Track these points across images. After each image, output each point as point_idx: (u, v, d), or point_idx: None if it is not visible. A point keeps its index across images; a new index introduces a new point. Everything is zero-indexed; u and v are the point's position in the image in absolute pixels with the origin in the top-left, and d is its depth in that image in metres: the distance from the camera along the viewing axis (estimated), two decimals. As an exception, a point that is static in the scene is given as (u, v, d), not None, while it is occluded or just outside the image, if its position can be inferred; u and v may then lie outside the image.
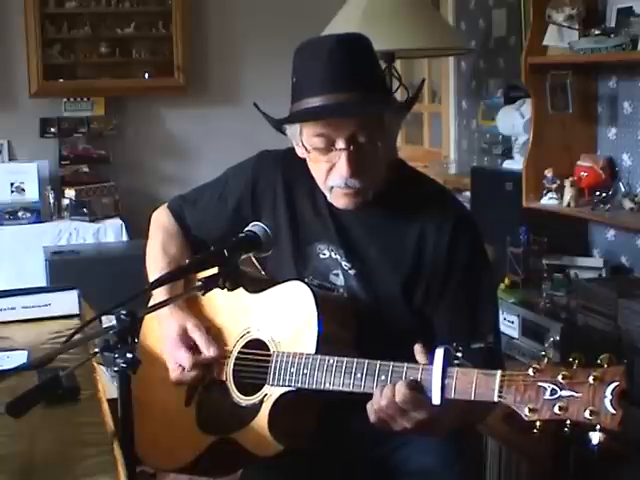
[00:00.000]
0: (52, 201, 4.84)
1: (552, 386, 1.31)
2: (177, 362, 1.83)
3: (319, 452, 1.79)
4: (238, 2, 5.29)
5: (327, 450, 1.82)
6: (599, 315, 2.64)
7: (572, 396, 1.29)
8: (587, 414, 1.26)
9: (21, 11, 4.92)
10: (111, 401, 1.67)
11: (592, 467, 2.49)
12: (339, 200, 1.76)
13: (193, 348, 1.83)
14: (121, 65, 5.18)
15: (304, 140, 1.74)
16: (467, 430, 1.89)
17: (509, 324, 2.95)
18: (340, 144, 1.68)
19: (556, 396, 1.30)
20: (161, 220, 2.04)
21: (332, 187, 1.74)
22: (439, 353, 1.43)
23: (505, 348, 2.91)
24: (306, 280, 1.79)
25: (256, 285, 1.82)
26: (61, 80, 5.08)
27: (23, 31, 4.94)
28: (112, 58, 5.14)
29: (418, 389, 1.46)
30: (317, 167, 1.76)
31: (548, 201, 3.12)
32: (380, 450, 1.82)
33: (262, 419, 1.68)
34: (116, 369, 1.44)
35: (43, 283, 4.18)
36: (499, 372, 1.37)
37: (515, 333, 2.93)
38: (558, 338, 2.70)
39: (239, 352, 1.81)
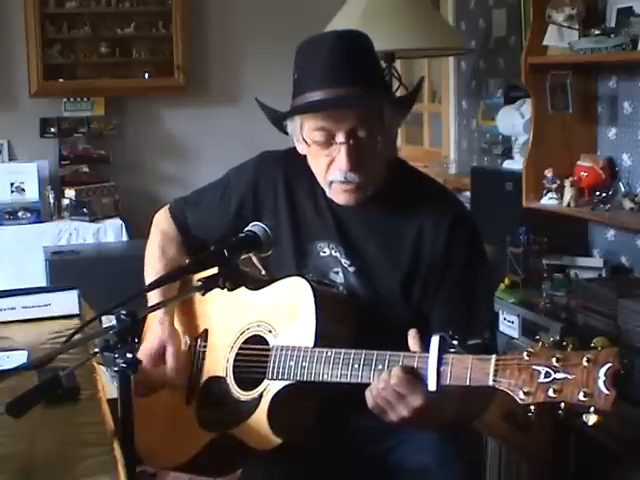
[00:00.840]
0: (52, 201, 4.84)
1: (546, 369, 1.32)
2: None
3: (318, 450, 1.79)
4: (238, 2, 5.29)
5: (326, 448, 1.82)
6: (599, 315, 2.64)
7: (566, 378, 1.30)
8: (581, 396, 1.27)
9: (21, 11, 4.92)
10: (111, 401, 1.67)
11: (592, 467, 2.49)
12: (339, 195, 1.77)
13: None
14: (121, 65, 5.18)
15: (305, 134, 1.75)
16: (466, 429, 1.90)
17: (509, 324, 2.95)
18: (340, 138, 1.69)
19: (550, 379, 1.31)
20: (161, 222, 2.05)
21: (332, 182, 1.75)
22: (435, 341, 1.45)
23: (505, 348, 2.90)
24: (306, 276, 1.79)
25: (257, 283, 1.83)
26: (61, 80, 5.08)
27: (23, 31, 4.94)
28: (112, 58, 5.14)
29: (414, 373, 1.47)
30: (317, 162, 1.77)
31: (548, 201, 3.12)
32: (378, 448, 1.83)
33: (261, 413, 1.68)
34: (116, 369, 1.44)
35: (43, 283, 4.18)
36: (494, 356, 1.39)
37: (515, 333, 2.93)
38: (558, 338, 2.69)
39: (239, 348, 1.81)
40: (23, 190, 4.83)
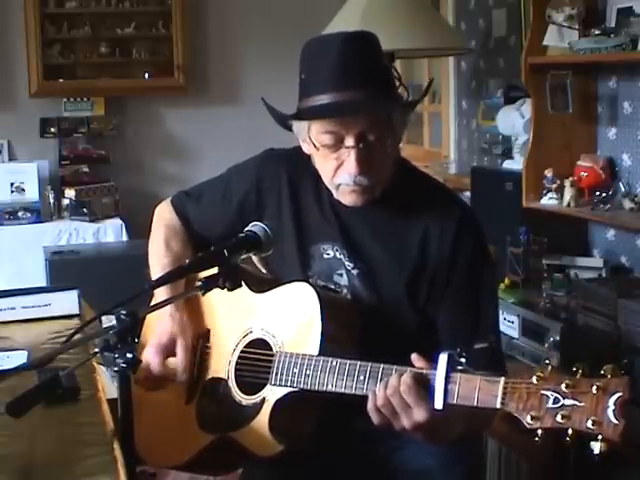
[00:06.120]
0: (52, 201, 4.85)
1: (555, 394, 1.31)
2: (147, 361, 1.82)
3: (319, 451, 1.78)
4: (238, 2, 5.29)
5: (327, 449, 1.81)
6: (599, 315, 2.64)
7: (575, 405, 1.29)
8: (589, 424, 1.26)
9: (21, 11, 4.92)
10: (111, 401, 1.67)
11: (593, 468, 2.49)
12: (346, 197, 1.76)
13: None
14: (121, 65, 5.19)
15: (312, 137, 1.73)
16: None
17: (509, 324, 2.95)
18: (349, 142, 1.68)
19: (559, 405, 1.30)
20: (164, 215, 2.03)
21: (339, 184, 1.74)
22: (443, 358, 1.43)
23: (505, 348, 2.90)
24: (310, 281, 1.79)
25: (261, 285, 1.82)
26: (61, 80, 5.08)
27: (23, 31, 4.95)
28: (112, 58, 5.15)
29: (423, 384, 1.45)
30: (325, 164, 1.75)
31: (548, 201, 3.12)
32: (381, 450, 1.82)
33: (263, 419, 1.68)
34: (116, 369, 1.44)
35: (43, 283, 4.18)
36: (502, 379, 1.37)
37: (515, 333, 2.93)
38: (558, 338, 2.70)
39: (242, 351, 1.80)
40: (23, 190, 4.83)
